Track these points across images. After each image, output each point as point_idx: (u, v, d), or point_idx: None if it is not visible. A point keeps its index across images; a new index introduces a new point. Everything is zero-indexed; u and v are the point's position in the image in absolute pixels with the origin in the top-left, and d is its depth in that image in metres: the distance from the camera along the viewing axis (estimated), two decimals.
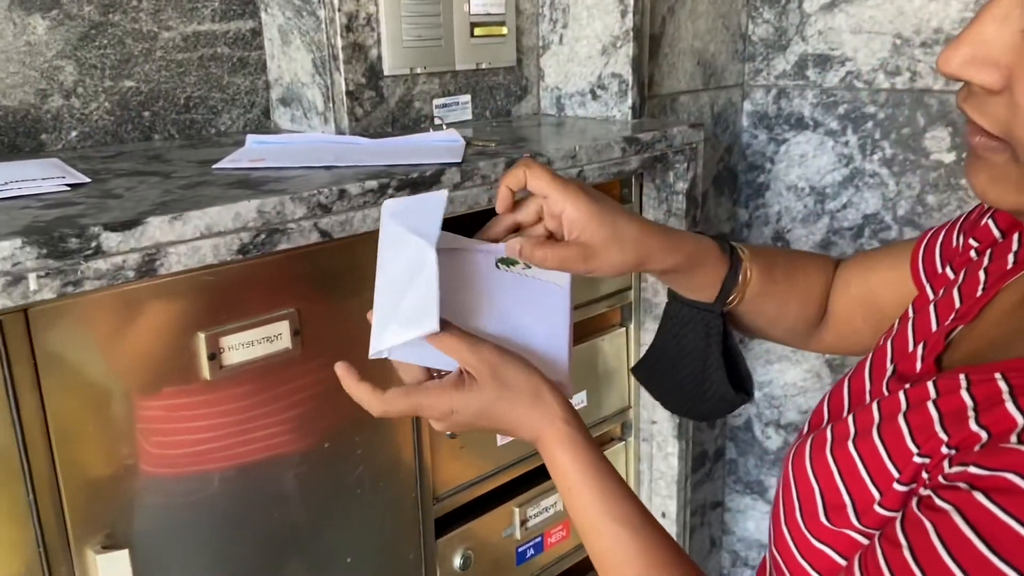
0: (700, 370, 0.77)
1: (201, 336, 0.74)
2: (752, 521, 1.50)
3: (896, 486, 0.46)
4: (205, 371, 0.75)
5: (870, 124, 1.24)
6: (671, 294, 0.77)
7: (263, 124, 1.13)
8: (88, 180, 0.78)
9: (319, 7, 1.02)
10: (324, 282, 0.82)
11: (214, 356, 0.75)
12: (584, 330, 1.16)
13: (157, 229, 0.65)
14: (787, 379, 1.41)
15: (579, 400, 1.14)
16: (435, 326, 0.60)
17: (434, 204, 0.65)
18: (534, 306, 0.70)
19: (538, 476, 1.08)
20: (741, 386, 0.78)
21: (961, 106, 0.46)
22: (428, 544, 0.96)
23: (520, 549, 1.10)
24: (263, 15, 1.09)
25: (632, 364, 1.21)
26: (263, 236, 0.71)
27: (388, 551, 0.93)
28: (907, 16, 1.17)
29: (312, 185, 0.76)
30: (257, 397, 0.80)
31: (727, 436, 1.51)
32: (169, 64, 1.03)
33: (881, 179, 1.25)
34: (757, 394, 1.45)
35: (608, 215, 0.65)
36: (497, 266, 0.69)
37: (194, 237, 0.67)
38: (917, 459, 0.46)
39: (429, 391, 0.63)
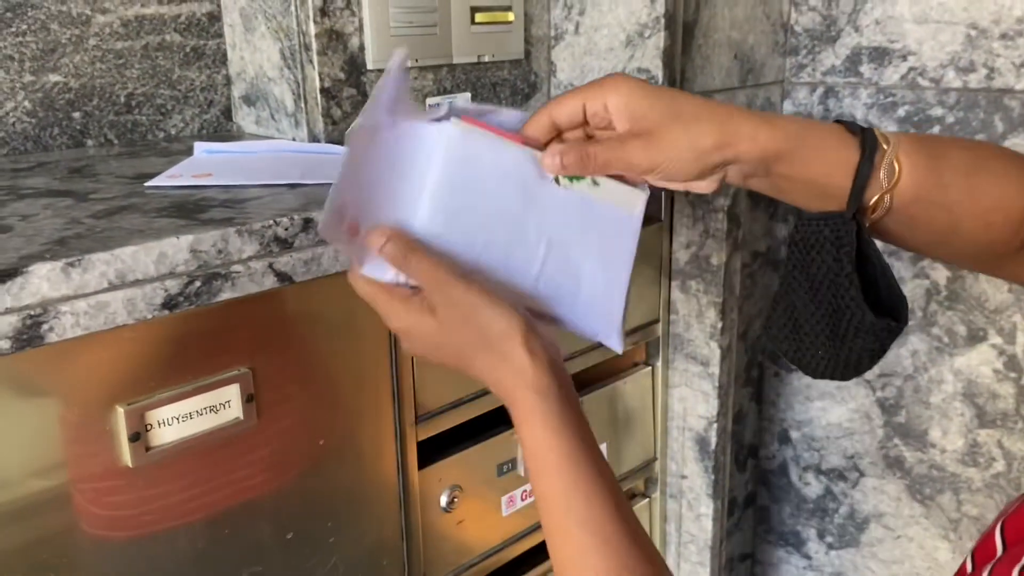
0: (833, 298, 0.55)
1: (120, 411, 0.56)
2: None
3: None
4: (126, 456, 0.57)
5: (937, 129, 1.06)
6: (797, 217, 0.58)
7: (223, 127, 0.95)
8: None
9: None
10: (285, 332, 0.64)
11: (138, 436, 0.57)
12: (601, 372, 0.98)
13: (45, 280, 0.47)
14: (830, 419, 1.23)
15: None
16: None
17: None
18: (594, 237, 0.56)
19: None
20: (888, 311, 0.56)
21: None
22: None
23: None
24: None
25: (656, 412, 1.04)
26: (198, 284, 0.53)
27: None
28: (984, 2, 1.00)
29: (269, 212, 0.58)
30: (200, 483, 0.62)
31: (759, 480, 1.34)
32: (106, 55, 0.85)
33: None
34: (795, 434, 1.28)
35: (664, 93, 0.53)
36: (557, 181, 0.54)
37: (99, 289, 0.49)
38: None
39: (390, 295, 0.53)
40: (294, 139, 0.88)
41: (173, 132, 0.91)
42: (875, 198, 0.52)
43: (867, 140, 0.52)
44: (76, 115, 0.84)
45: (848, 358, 0.56)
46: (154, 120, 0.90)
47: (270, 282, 0.57)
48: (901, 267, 1.14)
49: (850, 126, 0.54)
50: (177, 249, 0.52)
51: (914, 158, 0.52)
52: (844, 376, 0.57)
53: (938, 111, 1.06)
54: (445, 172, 0.52)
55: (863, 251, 0.54)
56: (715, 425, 1.00)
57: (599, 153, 0.52)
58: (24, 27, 0.79)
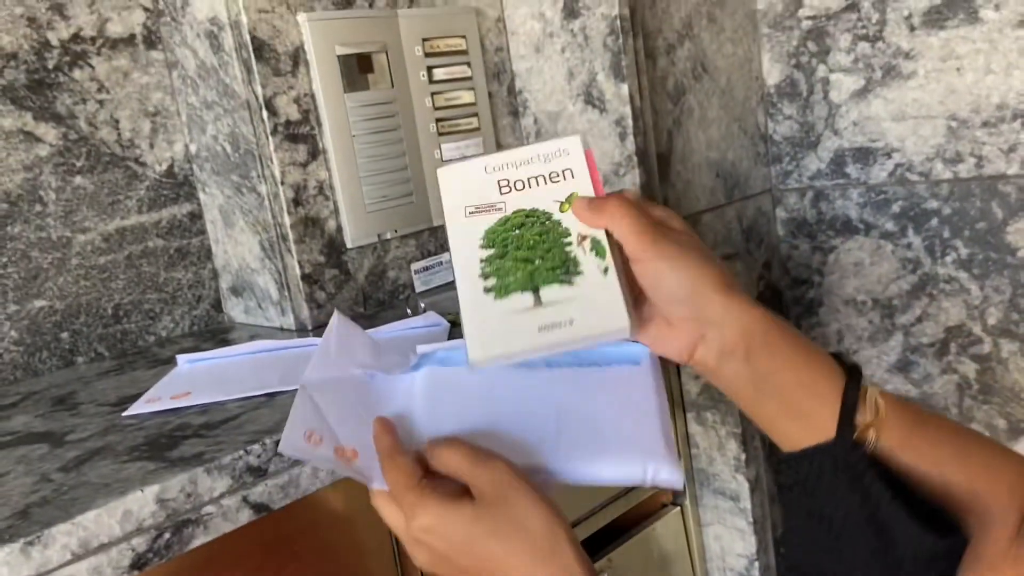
0: (874, 536, 0.47)
1: None
2: None
3: None
4: None
5: (935, 221, 1.04)
6: (777, 460, 0.52)
7: (214, 319, 0.95)
8: None
9: (259, 182, 0.85)
10: (275, 560, 0.61)
11: None
12: (630, 519, 0.93)
13: (4, 565, 0.45)
14: None
15: None
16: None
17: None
18: (608, 391, 0.54)
19: None
20: (943, 527, 0.47)
21: None
22: None
23: None
24: (202, 195, 0.93)
25: (692, 554, 0.98)
26: (168, 535, 0.51)
27: None
28: (960, 94, 0.98)
29: (241, 437, 0.57)
30: None
31: None
32: (89, 272, 0.86)
33: (960, 284, 1.03)
34: None
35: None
36: (581, 247, 0.53)
37: (61, 563, 0.47)
38: None
39: (418, 487, 0.47)
40: (281, 327, 0.88)
41: (164, 334, 0.91)
42: (860, 429, 0.47)
43: (854, 369, 0.49)
44: (64, 335, 0.84)
45: None
46: (143, 326, 0.90)
47: (246, 516, 0.54)
48: (926, 363, 1.09)
49: (834, 355, 0.51)
50: (142, 503, 0.50)
51: (897, 407, 0.48)
52: None
53: (933, 204, 1.03)
54: (430, 401, 0.53)
55: (885, 478, 0.47)
56: (756, 563, 0.94)
57: (621, 202, 0.51)
58: (4, 259, 0.81)
